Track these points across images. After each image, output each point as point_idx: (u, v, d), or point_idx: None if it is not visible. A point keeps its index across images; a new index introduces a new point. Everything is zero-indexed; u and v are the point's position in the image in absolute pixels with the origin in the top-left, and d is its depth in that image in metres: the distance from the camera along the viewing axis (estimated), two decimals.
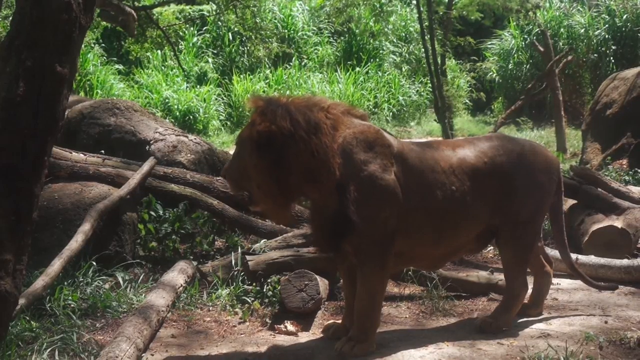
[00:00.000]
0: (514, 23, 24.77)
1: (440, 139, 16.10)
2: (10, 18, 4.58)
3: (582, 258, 7.32)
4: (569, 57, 18.26)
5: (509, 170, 5.53)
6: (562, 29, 23.63)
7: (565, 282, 7.09)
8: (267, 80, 22.31)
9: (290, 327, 5.73)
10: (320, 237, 5.36)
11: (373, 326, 5.25)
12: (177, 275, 6.32)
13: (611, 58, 22.22)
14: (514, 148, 5.65)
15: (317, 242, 5.60)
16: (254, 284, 6.38)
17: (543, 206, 5.79)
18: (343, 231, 5.08)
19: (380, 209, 5.10)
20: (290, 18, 25.09)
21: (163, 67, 22.38)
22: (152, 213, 7.66)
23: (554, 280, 7.07)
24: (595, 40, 22.73)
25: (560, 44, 22.71)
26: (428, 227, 5.32)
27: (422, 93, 24.56)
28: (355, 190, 5.03)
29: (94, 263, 6.51)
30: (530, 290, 5.99)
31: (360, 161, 5.09)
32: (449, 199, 5.33)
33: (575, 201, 8.72)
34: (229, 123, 21.37)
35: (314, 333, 5.75)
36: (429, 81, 21.09)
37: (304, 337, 5.65)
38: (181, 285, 6.24)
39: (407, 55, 26.27)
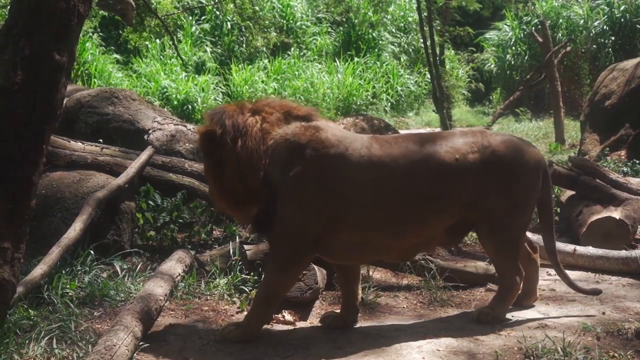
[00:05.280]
0: (512, 14, 24.74)
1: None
2: (9, 6, 4.57)
3: (580, 249, 7.33)
4: (568, 48, 18.27)
5: (482, 166, 5.43)
6: (560, 20, 23.63)
7: None
8: (266, 70, 22.27)
9: (288, 316, 5.75)
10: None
11: (258, 318, 5.33)
12: (175, 264, 6.32)
13: (610, 49, 22.21)
14: (490, 144, 5.52)
15: None
16: (252, 273, 6.37)
17: (525, 200, 5.66)
18: (263, 227, 5.32)
19: (297, 212, 5.19)
20: (288, 8, 25.04)
21: (161, 57, 22.31)
22: (150, 202, 7.66)
23: (552, 271, 7.08)
24: (593, 32, 22.73)
25: (559, 35, 22.71)
26: (385, 221, 5.31)
27: (421, 83, 24.59)
28: (276, 190, 5.19)
29: (92, 252, 6.51)
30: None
31: (283, 163, 5.20)
32: (406, 195, 5.31)
33: (573, 192, 8.73)
34: None
35: (312, 322, 5.76)
36: (427, 71, 21.10)
37: (301, 327, 5.66)
38: (179, 275, 6.24)
39: (405, 45, 26.29)
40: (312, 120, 5.46)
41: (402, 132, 13.25)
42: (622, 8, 22.38)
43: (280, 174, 5.19)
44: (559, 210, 8.95)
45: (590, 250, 7.31)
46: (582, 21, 23.18)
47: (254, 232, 5.98)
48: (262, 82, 21.49)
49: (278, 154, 5.22)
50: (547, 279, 6.89)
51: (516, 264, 5.70)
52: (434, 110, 19.34)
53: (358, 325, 5.67)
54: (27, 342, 4.85)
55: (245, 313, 5.85)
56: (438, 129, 16.64)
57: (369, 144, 5.36)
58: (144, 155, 7.83)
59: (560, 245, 7.47)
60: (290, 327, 5.64)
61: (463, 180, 5.40)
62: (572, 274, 6.97)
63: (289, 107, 5.51)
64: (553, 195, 9.04)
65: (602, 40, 22.46)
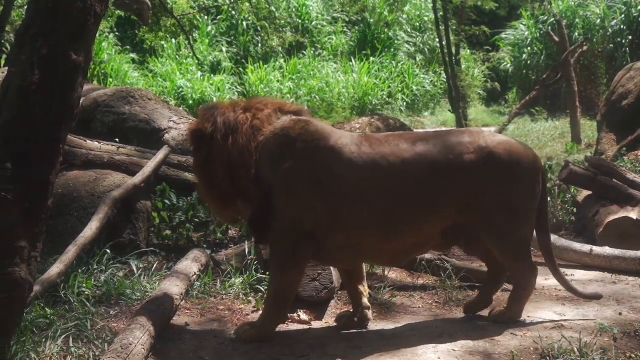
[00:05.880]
0: (528, 13, 24.65)
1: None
2: (26, 7, 4.60)
3: (597, 249, 7.30)
4: (585, 48, 18.17)
5: (479, 167, 5.33)
6: (577, 20, 23.51)
7: (579, 274, 7.06)
8: (282, 70, 22.28)
9: (304, 316, 5.75)
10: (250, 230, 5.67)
11: (271, 319, 5.31)
12: (191, 263, 6.33)
13: (627, 49, 22.08)
14: (488, 145, 5.40)
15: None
16: (268, 273, 6.37)
17: (526, 202, 5.53)
18: (260, 227, 5.32)
19: (292, 206, 5.17)
20: (304, 7, 25.04)
21: (177, 56, 22.39)
22: (166, 201, 7.68)
23: (569, 272, 7.06)
24: (611, 31, 22.60)
25: (576, 34, 22.60)
26: (375, 221, 5.24)
27: (437, 83, 24.52)
28: (269, 187, 5.18)
29: (108, 251, 6.54)
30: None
31: (274, 158, 5.19)
32: (397, 196, 5.24)
33: (590, 192, 8.69)
34: None
35: (327, 322, 5.76)
36: (443, 71, 21.06)
37: (317, 326, 5.66)
38: (195, 274, 6.26)
39: (421, 45, 26.24)
40: (302, 115, 5.48)
41: (416, 131, 13.18)
42: (639, 7, 22.25)
43: (272, 170, 5.18)
44: (575, 210, 8.91)
45: (607, 250, 7.27)
46: (599, 20, 23.05)
47: (252, 236, 6.01)
48: (278, 81, 21.51)
49: (268, 149, 5.21)
50: None
51: (526, 263, 5.58)
52: (449, 110, 19.32)
53: (374, 324, 5.67)
54: (43, 340, 4.87)
55: (261, 312, 5.86)
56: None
57: (358, 142, 5.32)
58: (160, 155, 7.85)
59: (577, 246, 7.46)
60: (305, 327, 5.64)
61: (458, 181, 5.32)
62: (588, 275, 6.98)
63: (280, 104, 5.52)
64: (570, 196, 9.06)
65: (619, 39, 22.33)
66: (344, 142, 5.28)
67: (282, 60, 22.88)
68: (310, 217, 5.16)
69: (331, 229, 5.19)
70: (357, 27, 25.95)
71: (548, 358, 4.81)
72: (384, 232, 5.28)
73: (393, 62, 24.03)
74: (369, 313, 5.67)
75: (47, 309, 5.44)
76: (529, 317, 5.72)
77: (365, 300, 5.66)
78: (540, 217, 5.79)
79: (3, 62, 12.54)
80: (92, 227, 6.36)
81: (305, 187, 5.15)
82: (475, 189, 5.35)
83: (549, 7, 23.24)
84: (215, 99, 19.99)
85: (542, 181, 5.64)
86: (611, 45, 22.44)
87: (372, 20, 25.38)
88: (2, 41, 13.46)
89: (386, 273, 6.85)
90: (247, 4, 19.65)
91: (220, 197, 5.52)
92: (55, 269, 5.69)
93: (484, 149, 5.39)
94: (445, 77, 19.90)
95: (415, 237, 5.40)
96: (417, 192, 5.27)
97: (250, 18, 22.38)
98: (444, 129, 18.66)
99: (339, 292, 6.32)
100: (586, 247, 7.39)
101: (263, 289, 6.23)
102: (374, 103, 21.74)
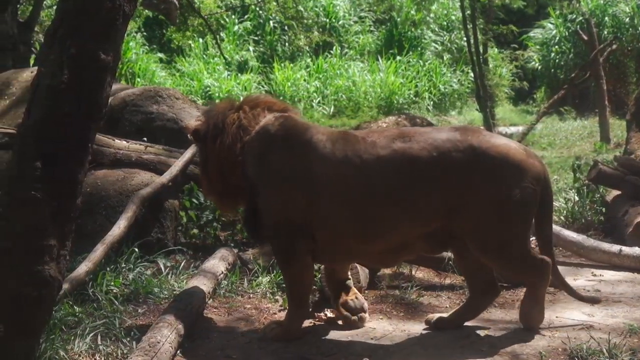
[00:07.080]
0: (557, 12, 24.47)
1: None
2: (55, 7, 4.63)
3: (626, 249, 7.23)
4: (614, 46, 18.02)
5: (464, 168, 5.03)
6: (606, 18, 23.29)
7: (608, 274, 7.00)
8: (308, 69, 22.27)
9: (331, 314, 5.75)
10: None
11: (294, 317, 5.32)
12: (218, 262, 6.36)
13: None
14: (481, 145, 5.08)
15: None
16: None
17: (522, 211, 5.16)
18: (253, 226, 5.40)
19: (276, 202, 5.20)
20: (331, 6, 24.99)
21: (204, 55, 22.44)
22: (194, 200, 7.69)
23: (597, 272, 7.01)
24: None
25: (605, 32, 22.39)
26: (350, 220, 5.13)
27: (464, 82, 24.36)
28: (255, 184, 5.25)
29: (136, 249, 6.57)
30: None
31: (256, 156, 5.25)
32: (370, 194, 5.09)
33: (619, 192, 8.62)
34: None
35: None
36: (470, 70, 20.95)
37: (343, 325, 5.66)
38: (222, 273, 6.28)
39: (448, 44, 26.08)
40: (287, 113, 5.51)
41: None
42: None
43: (255, 167, 5.24)
44: (604, 210, 8.84)
45: (636, 250, 7.20)
46: (628, 19, 22.84)
47: (248, 236, 6.29)
48: (305, 80, 21.51)
49: (252, 147, 5.27)
50: (591, 279, 6.82)
51: (528, 264, 5.27)
52: (477, 109, 19.20)
53: (401, 324, 5.65)
54: (72, 338, 4.91)
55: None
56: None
57: (334, 139, 5.25)
58: (187, 154, 7.86)
59: (606, 246, 7.39)
60: (332, 326, 5.64)
61: (441, 182, 5.07)
62: (617, 275, 6.92)
63: (270, 103, 5.57)
64: (599, 195, 8.98)
65: None
66: (320, 138, 5.25)
67: (308, 60, 22.86)
68: (296, 213, 5.14)
69: (316, 225, 5.17)
70: (384, 26, 25.88)
71: (576, 359, 4.78)
72: (363, 232, 5.17)
73: (420, 61, 23.92)
74: (355, 301, 5.64)
75: (75, 307, 5.48)
76: (557, 317, 5.68)
77: (345, 298, 5.64)
78: (542, 231, 5.50)
79: (32, 61, 12.62)
80: (120, 226, 6.40)
81: (285, 181, 5.18)
82: (461, 191, 5.08)
83: (578, 5, 23.03)
84: (242, 98, 20.00)
85: (545, 192, 5.30)
86: None
87: (399, 19, 25.30)
88: (31, 41, 13.56)
89: (413, 272, 6.84)
90: (274, 3, 19.68)
91: (217, 194, 5.62)
92: (84, 267, 5.74)
93: (475, 149, 5.08)
94: (472, 76, 19.79)
95: (397, 238, 5.21)
96: (392, 191, 5.09)
97: (277, 17, 22.40)
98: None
99: (366, 292, 6.31)
100: (615, 247, 7.32)
101: None
102: (400, 102, 21.63)
